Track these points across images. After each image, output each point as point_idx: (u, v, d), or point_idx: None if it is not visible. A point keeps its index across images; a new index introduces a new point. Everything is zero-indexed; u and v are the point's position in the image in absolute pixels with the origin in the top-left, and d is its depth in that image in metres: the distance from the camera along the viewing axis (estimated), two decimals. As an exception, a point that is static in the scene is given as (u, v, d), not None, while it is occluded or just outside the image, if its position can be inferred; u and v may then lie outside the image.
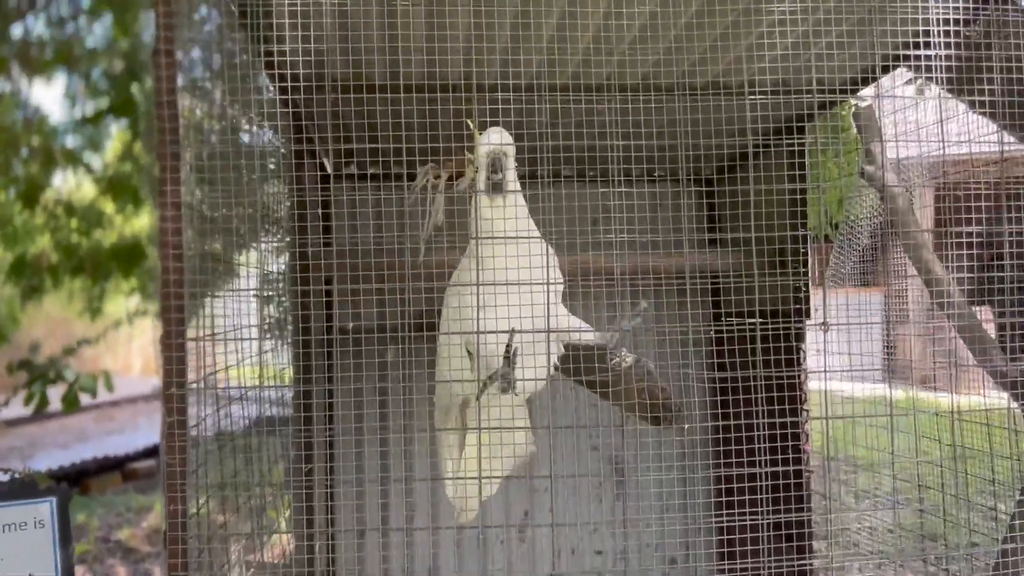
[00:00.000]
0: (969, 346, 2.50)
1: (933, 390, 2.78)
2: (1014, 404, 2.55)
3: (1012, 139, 2.64)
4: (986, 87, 2.31)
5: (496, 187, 2.29)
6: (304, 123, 3.27)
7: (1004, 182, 2.41)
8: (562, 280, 2.31)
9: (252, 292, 2.99)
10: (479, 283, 2.16)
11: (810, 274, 3.48)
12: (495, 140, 2.30)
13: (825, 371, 2.17)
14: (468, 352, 2.38)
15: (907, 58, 2.62)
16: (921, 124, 2.86)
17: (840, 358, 2.86)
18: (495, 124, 2.30)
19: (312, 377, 3.39)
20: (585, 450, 4.20)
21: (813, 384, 3.40)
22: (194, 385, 2.26)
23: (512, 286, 2.18)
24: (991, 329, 2.64)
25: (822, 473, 3.78)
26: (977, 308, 2.95)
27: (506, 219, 2.28)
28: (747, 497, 2.45)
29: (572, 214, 3.49)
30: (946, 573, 2.72)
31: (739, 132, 3.19)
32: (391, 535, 3.98)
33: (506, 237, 2.22)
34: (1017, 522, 2.46)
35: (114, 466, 9.07)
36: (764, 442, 2.44)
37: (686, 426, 2.18)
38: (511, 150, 2.31)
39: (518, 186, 2.37)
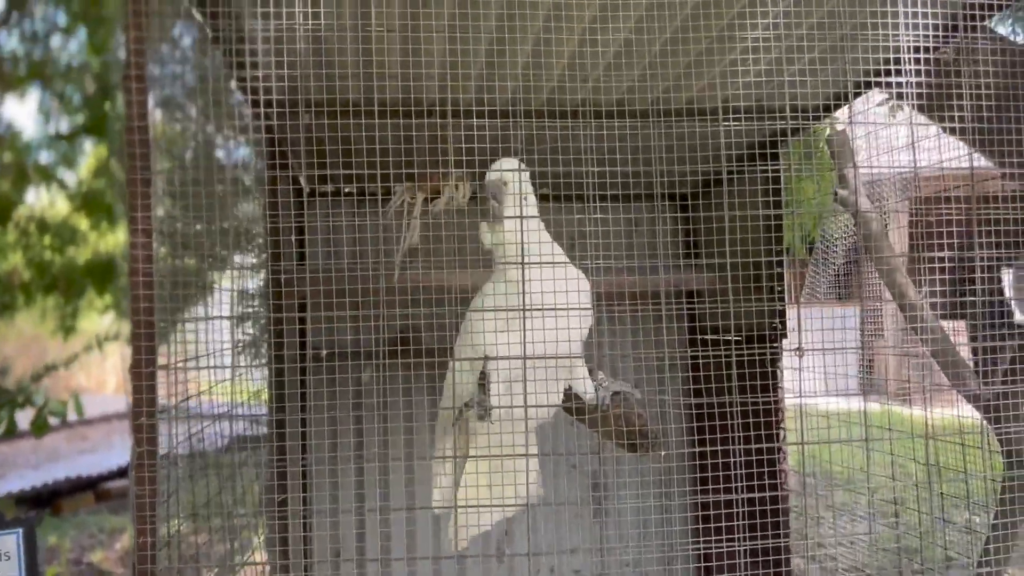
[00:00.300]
0: (943, 369, 2.52)
1: (908, 404, 2.80)
2: (987, 424, 2.57)
3: (982, 158, 2.68)
4: (956, 113, 2.33)
5: (494, 216, 2.29)
6: (279, 143, 3.24)
7: (975, 198, 2.44)
8: (589, 306, 2.28)
9: (225, 316, 2.95)
10: (510, 307, 2.12)
11: (786, 294, 3.50)
12: (506, 166, 2.30)
13: (801, 396, 2.17)
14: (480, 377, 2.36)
15: (879, 83, 2.64)
16: (894, 144, 2.89)
17: (817, 373, 2.87)
18: (471, 147, 2.29)
19: (285, 406, 3.35)
20: (565, 470, 4.19)
21: (790, 400, 3.41)
22: (164, 415, 2.22)
23: (536, 311, 2.16)
24: (965, 346, 2.67)
25: (800, 491, 3.79)
26: (951, 323, 2.98)
27: (530, 243, 2.25)
28: (723, 524, 2.44)
29: (548, 230, 3.49)
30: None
31: (714, 155, 3.20)
32: (367, 565, 3.94)
33: (541, 263, 2.19)
34: (992, 545, 2.48)
35: (87, 486, 8.91)
36: (740, 468, 2.43)
37: (663, 453, 2.17)
38: (510, 176, 2.30)
39: (535, 211, 2.34)
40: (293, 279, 3.46)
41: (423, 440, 4.00)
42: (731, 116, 2.68)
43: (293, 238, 3.77)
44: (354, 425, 3.89)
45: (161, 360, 2.21)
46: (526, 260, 2.15)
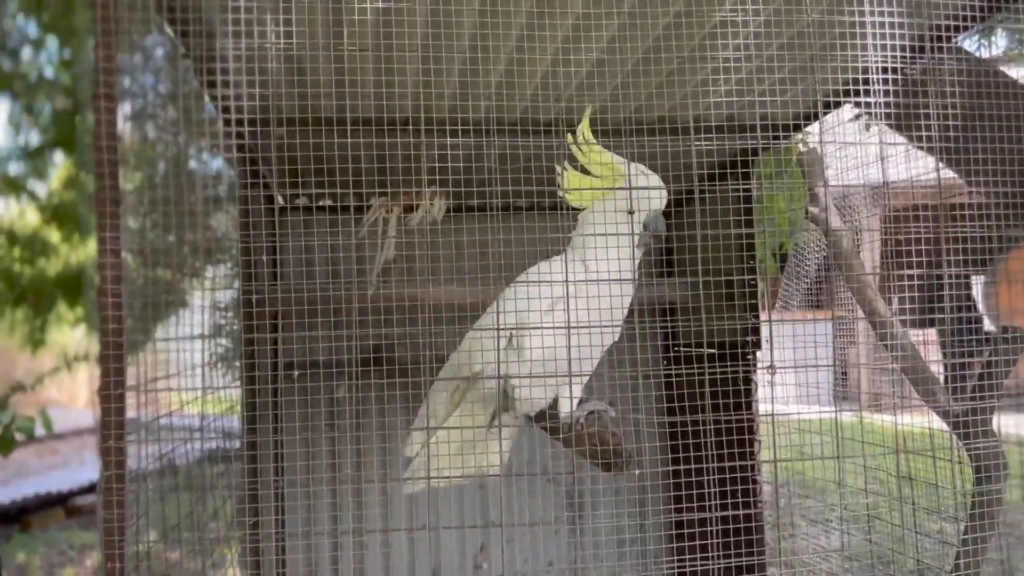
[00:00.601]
0: (913, 385, 2.55)
1: (880, 412, 2.83)
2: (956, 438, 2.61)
3: (949, 172, 2.72)
4: (924, 133, 2.37)
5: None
6: (251, 158, 3.22)
7: (942, 211, 2.48)
8: (618, 321, 2.28)
9: (196, 336, 2.91)
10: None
11: (759, 307, 3.53)
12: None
13: (773, 414, 2.19)
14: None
15: (848, 102, 2.68)
16: (864, 158, 2.93)
17: (790, 385, 2.90)
18: (445, 163, 2.28)
19: (257, 427, 3.31)
20: (542, 486, 4.19)
21: (764, 407, 3.43)
22: (132, 437, 2.19)
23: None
24: (938, 362, 2.70)
25: (774, 501, 3.81)
26: (924, 335, 3.02)
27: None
28: (697, 542, 2.45)
29: (522, 246, 3.50)
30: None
31: (685, 173, 3.23)
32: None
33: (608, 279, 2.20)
34: (963, 560, 2.51)
35: (57, 501, 8.76)
36: (714, 486, 2.44)
37: (637, 472, 2.18)
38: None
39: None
40: (266, 295, 3.43)
41: (397, 460, 3.98)
42: (703, 134, 2.71)
43: (265, 255, 3.74)
44: (327, 447, 3.87)
45: (131, 380, 2.19)
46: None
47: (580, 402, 2.36)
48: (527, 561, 4.18)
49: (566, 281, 2.15)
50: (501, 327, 2.19)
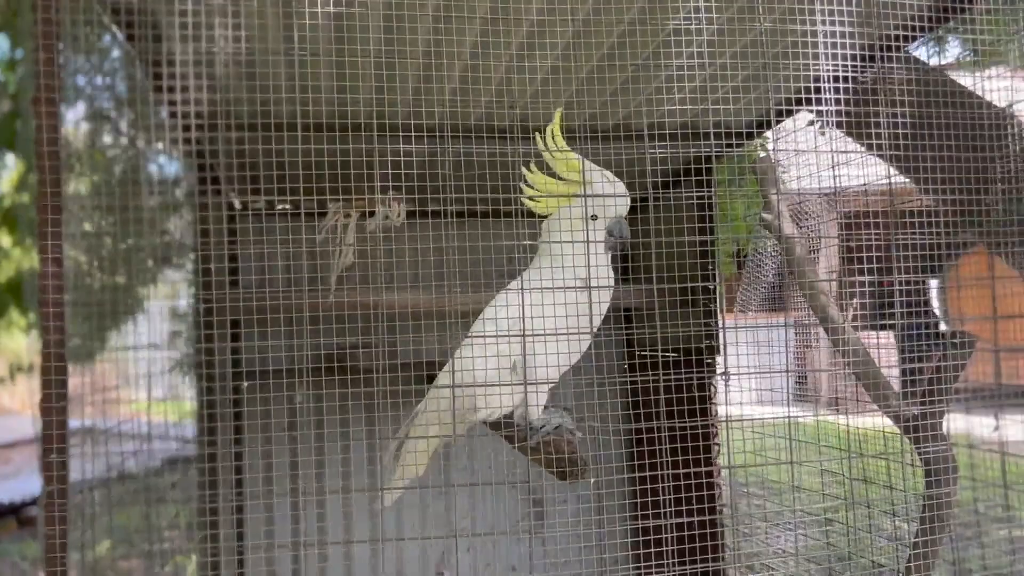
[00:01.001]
0: (866, 389, 2.58)
1: (838, 413, 2.86)
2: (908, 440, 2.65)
3: (900, 176, 2.77)
4: (875, 141, 2.40)
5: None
6: (208, 160, 3.17)
7: (893, 215, 2.51)
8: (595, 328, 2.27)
9: (146, 347, 2.85)
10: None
11: (717, 312, 3.55)
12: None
13: (727, 419, 2.20)
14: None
15: (800, 110, 2.71)
16: (820, 164, 2.97)
17: (750, 387, 2.92)
18: (400, 165, 2.26)
19: (217, 438, 3.25)
20: (506, 490, 4.17)
21: (723, 410, 3.46)
22: (77, 448, 2.14)
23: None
24: (894, 366, 2.74)
25: (735, 505, 3.84)
26: (881, 338, 3.06)
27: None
28: (653, 549, 2.45)
29: (477, 254, 3.48)
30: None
31: (643, 176, 3.24)
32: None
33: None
34: (915, 563, 2.54)
35: (9, 512, 8.53)
36: (670, 492, 2.45)
37: (592, 480, 2.17)
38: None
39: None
40: (221, 302, 3.36)
41: (359, 470, 3.93)
42: (658, 141, 2.71)
43: (222, 261, 3.68)
44: (290, 458, 3.81)
45: (82, 388, 2.14)
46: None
47: (546, 409, 2.36)
48: (489, 565, 4.17)
49: (554, 288, 2.15)
50: (502, 335, 2.19)
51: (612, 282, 2.34)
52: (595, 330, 2.23)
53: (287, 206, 3.96)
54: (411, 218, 3.02)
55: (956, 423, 2.75)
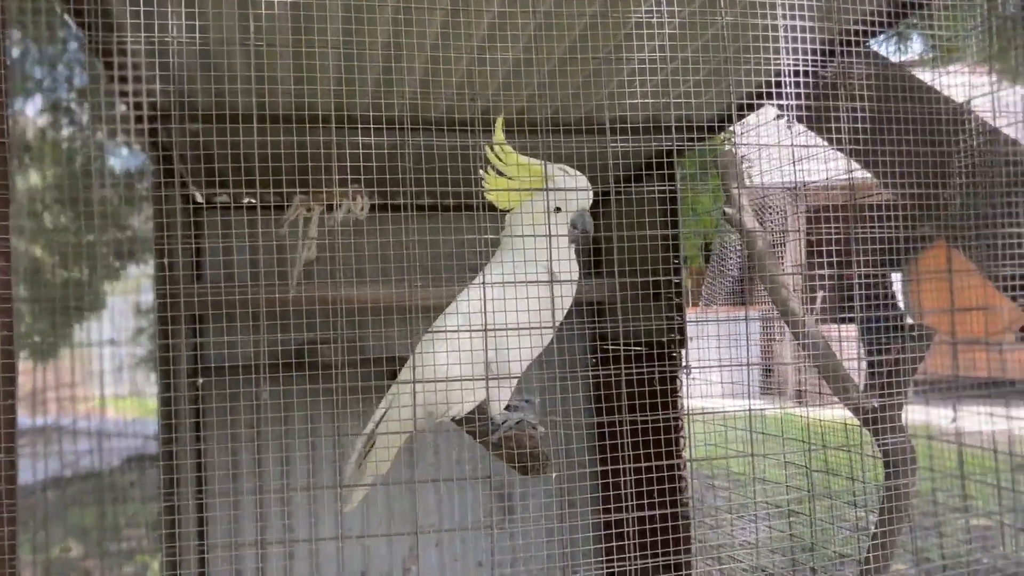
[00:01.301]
0: (827, 382, 2.60)
1: (800, 406, 2.89)
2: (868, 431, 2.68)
3: (859, 167, 2.79)
4: (834, 136, 2.42)
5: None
6: (166, 153, 3.11)
7: (855, 210, 2.54)
8: (558, 322, 2.26)
9: (105, 342, 2.81)
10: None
11: (683, 306, 3.57)
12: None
13: (689, 414, 2.20)
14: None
15: (760, 105, 2.72)
16: (782, 161, 2.98)
17: (717, 379, 2.94)
18: (362, 158, 2.23)
19: (177, 436, 3.20)
20: (472, 484, 4.16)
21: (687, 402, 3.48)
22: (27, 448, 2.09)
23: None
24: (853, 358, 2.77)
25: (700, 497, 3.87)
26: (838, 328, 3.09)
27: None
28: (616, 542, 2.46)
29: (439, 248, 3.47)
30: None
31: (609, 170, 3.24)
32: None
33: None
34: (873, 554, 2.57)
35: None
36: (631, 486, 2.45)
37: (554, 475, 2.16)
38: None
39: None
40: (185, 296, 3.32)
41: (324, 466, 3.90)
42: (621, 135, 2.72)
43: (181, 253, 3.63)
44: (254, 455, 3.76)
45: (40, 383, 2.10)
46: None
47: (509, 406, 2.35)
48: (457, 560, 4.15)
49: (517, 283, 2.14)
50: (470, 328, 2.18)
51: (575, 275, 2.33)
52: (558, 324, 2.23)
53: (250, 199, 3.91)
54: (374, 211, 2.99)
55: (915, 415, 2.79)
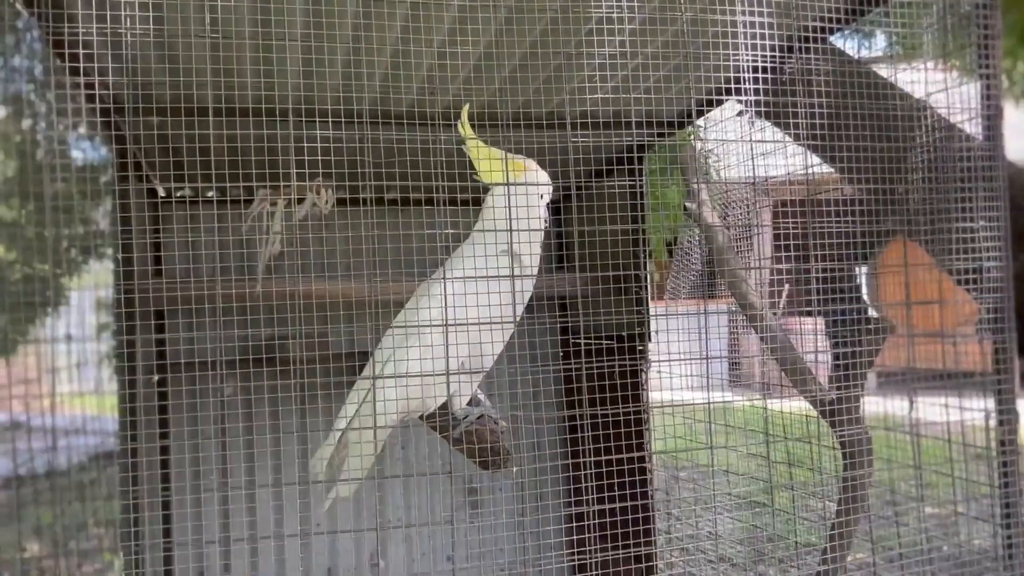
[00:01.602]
0: (787, 374, 2.64)
1: (762, 398, 2.92)
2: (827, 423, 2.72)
3: (820, 163, 2.83)
4: (793, 130, 2.45)
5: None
6: (127, 146, 3.07)
7: (814, 205, 2.57)
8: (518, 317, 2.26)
9: (64, 338, 2.76)
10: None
11: (648, 297, 3.59)
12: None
13: (649, 406, 2.23)
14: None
15: (718, 102, 2.75)
16: (744, 156, 3.01)
17: (684, 369, 2.96)
18: (327, 152, 2.22)
19: (140, 432, 3.17)
20: (441, 478, 4.16)
21: (656, 397, 3.51)
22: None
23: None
24: (812, 349, 2.80)
25: (663, 489, 3.90)
26: (800, 322, 3.12)
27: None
28: (581, 535, 2.48)
29: (402, 242, 3.45)
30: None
31: (576, 164, 3.25)
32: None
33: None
34: (833, 543, 2.61)
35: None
36: (602, 478, 2.47)
37: (515, 468, 2.18)
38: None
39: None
40: (147, 291, 3.28)
41: (290, 462, 3.88)
42: (589, 130, 2.73)
43: (143, 247, 3.58)
44: (223, 451, 3.74)
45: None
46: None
47: (471, 401, 2.35)
48: (425, 555, 4.15)
49: (506, 277, 2.14)
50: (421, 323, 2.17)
51: (535, 270, 2.34)
52: (518, 318, 2.24)
53: (213, 193, 3.87)
54: (340, 206, 2.98)
55: (873, 406, 2.84)
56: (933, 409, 2.75)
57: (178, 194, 3.92)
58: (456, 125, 2.24)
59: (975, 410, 2.59)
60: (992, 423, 2.59)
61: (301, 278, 3.19)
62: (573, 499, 3.94)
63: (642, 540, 2.81)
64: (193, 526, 3.68)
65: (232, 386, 3.74)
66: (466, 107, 2.22)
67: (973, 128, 2.66)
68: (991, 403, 2.59)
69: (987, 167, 2.51)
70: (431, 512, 4.15)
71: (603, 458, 2.43)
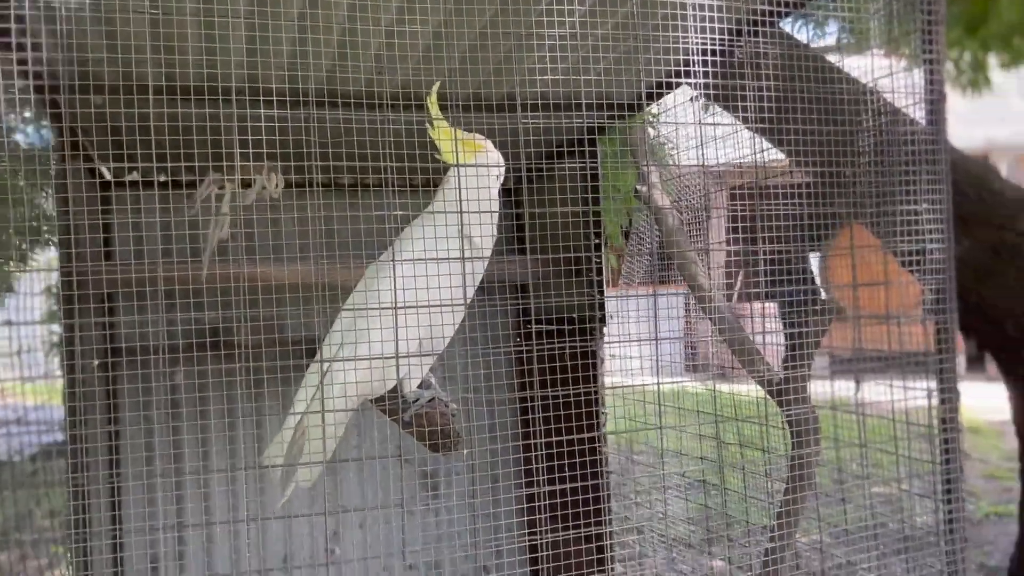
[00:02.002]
0: (735, 355, 2.68)
1: (729, 382, 2.97)
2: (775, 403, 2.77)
3: (769, 146, 2.87)
4: (741, 114, 2.47)
5: None
6: (69, 126, 2.99)
7: (762, 189, 2.61)
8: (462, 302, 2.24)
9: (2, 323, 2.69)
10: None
11: (604, 282, 3.61)
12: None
13: (600, 388, 2.24)
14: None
15: (670, 86, 2.76)
16: (697, 140, 3.04)
17: (640, 355, 2.99)
18: (275, 132, 2.18)
19: (86, 420, 3.10)
20: (395, 464, 4.15)
21: (611, 380, 3.53)
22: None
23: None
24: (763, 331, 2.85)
25: (617, 471, 3.94)
26: (751, 303, 3.16)
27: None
28: (535, 516, 2.49)
29: (351, 224, 3.42)
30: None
31: (531, 147, 3.24)
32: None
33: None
34: (781, 521, 2.67)
35: None
36: (544, 461, 2.49)
37: (466, 451, 2.17)
38: None
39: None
40: (95, 275, 3.20)
41: (245, 447, 3.83)
42: (541, 112, 2.72)
43: (88, 230, 3.49)
44: (166, 436, 3.67)
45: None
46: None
47: (422, 384, 2.34)
48: (381, 540, 4.15)
49: (457, 259, 2.12)
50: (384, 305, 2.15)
51: (488, 252, 2.34)
52: (468, 300, 2.23)
53: (161, 176, 3.78)
54: (288, 188, 2.93)
55: (820, 387, 2.89)
56: (878, 389, 2.81)
57: (127, 177, 3.83)
58: (406, 108, 2.23)
59: (918, 389, 2.65)
60: (934, 402, 2.65)
61: (246, 260, 3.13)
62: (524, 480, 3.96)
63: (592, 520, 2.84)
64: (146, 512, 3.63)
65: (181, 370, 3.68)
66: (436, 85, 2.20)
67: (918, 113, 2.71)
68: (933, 383, 2.65)
69: (930, 151, 2.55)
70: (387, 498, 4.14)
71: (554, 439, 2.44)
